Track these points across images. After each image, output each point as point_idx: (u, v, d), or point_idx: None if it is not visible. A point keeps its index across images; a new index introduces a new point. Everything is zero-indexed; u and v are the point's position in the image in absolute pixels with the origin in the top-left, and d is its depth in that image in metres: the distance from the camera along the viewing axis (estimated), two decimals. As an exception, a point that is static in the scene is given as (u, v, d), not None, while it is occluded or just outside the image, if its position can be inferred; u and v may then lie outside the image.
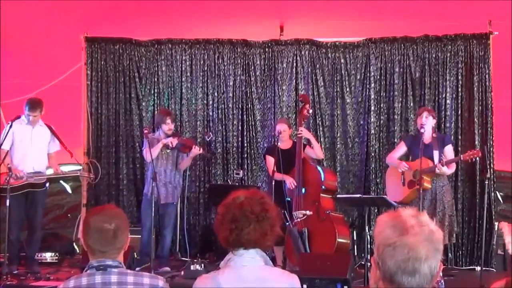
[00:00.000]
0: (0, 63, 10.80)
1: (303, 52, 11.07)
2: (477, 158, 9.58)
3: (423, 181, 8.74)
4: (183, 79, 11.26)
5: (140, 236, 9.69)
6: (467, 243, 10.49)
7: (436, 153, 9.00)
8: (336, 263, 8.25)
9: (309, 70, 11.05)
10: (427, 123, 9.02)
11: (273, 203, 3.73)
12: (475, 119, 10.47)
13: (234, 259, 3.55)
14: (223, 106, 11.21)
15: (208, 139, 10.47)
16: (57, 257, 10.27)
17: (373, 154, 10.80)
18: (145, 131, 9.49)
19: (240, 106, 11.19)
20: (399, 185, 9.18)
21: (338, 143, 10.95)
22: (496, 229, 10.21)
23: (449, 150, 9.18)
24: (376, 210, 10.48)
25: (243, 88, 11.21)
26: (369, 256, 8.85)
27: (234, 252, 3.57)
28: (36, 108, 9.23)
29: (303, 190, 9.40)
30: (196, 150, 9.65)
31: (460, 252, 10.47)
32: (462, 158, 9.10)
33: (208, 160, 11.05)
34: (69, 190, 11.89)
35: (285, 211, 8.89)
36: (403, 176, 9.15)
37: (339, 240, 9.05)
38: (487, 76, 10.49)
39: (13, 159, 9.23)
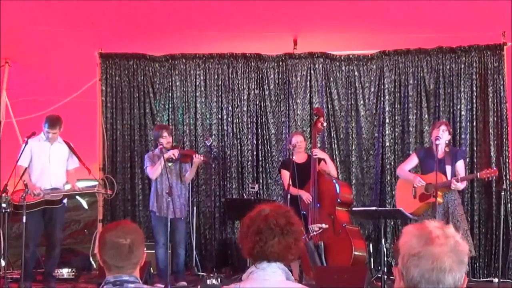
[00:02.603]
0: (4, 78, 10.90)
1: (316, 66, 11.08)
2: (493, 167, 9.58)
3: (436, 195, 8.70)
4: (197, 93, 11.29)
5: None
6: (484, 254, 10.42)
7: (448, 168, 8.92)
8: (353, 276, 8.24)
9: (323, 83, 11.06)
10: (443, 137, 8.95)
11: (298, 217, 3.74)
12: (490, 130, 10.43)
13: (256, 272, 3.55)
14: (237, 120, 11.22)
15: (208, 144, 10.46)
16: (73, 273, 10.27)
17: (388, 166, 10.77)
18: (160, 147, 9.46)
19: (254, 120, 11.19)
20: (409, 197, 9.10)
21: (353, 156, 10.93)
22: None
23: (460, 166, 9.09)
24: (392, 223, 10.45)
25: (257, 102, 11.22)
26: (385, 269, 8.83)
27: (256, 265, 3.57)
28: (56, 125, 9.27)
29: (318, 203, 9.38)
30: (198, 159, 9.60)
31: (477, 264, 10.40)
32: (478, 176, 9.06)
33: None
34: (86, 206, 11.94)
35: (301, 225, 8.85)
36: (415, 189, 9.07)
37: (355, 253, 9.02)
38: (501, 87, 10.46)
39: (31, 176, 9.27)
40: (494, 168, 8.90)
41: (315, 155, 9.52)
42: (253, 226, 3.56)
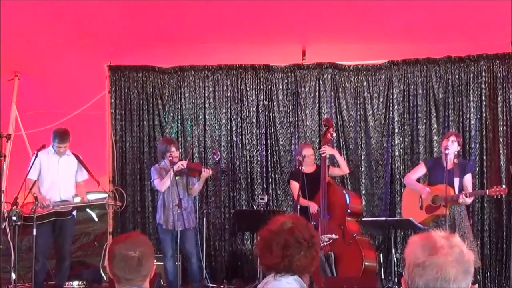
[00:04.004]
0: (14, 91, 10.95)
1: (325, 76, 11.07)
2: (503, 177, 9.57)
3: (442, 207, 8.65)
4: (206, 105, 11.29)
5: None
6: (495, 264, 10.38)
7: (456, 180, 8.85)
8: (363, 287, 8.21)
9: (332, 93, 11.05)
10: (451, 148, 8.90)
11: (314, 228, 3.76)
12: (500, 139, 10.40)
13: (271, 283, 3.56)
14: (246, 131, 11.22)
15: (217, 159, 10.45)
16: (84, 285, 10.29)
17: (397, 176, 10.74)
18: (170, 158, 9.46)
19: (263, 131, 11.18)
20: (416, 208, 9.05)
21: (362, 166, 10.91)
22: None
23: (468, 179, 9.02)
24: (402, 233, 10.42)
25: (266, 113, 11.21)
26: (396, 279, 8.80)
27: (277, 277, 3.58)
28: (65, 139, 9.32)
29: (328, 214, 9.37)
30: (206, 173, 9.56)
31: (489, 274, 10.36)
32: (487, 193, 8.99)
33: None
34: (96, 218, 11.96)
35: (311, 235, 8.83)
36: (421, 199, 9.04)
37: (366, 263, 9.01)
38: (510, 96, 10.45)
39: (40, 189, 9.31)
40: (504, 187, 8.84)
41: (323, 152, 9.52)
42: (279, 239, 3.56)
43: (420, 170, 9.39)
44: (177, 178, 9.46)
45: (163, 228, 9.51)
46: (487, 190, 8.96)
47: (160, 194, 9.64)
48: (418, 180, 9.41)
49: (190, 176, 9.66)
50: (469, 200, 8.86)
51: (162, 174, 9.48)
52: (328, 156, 9.70)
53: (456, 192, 8.77)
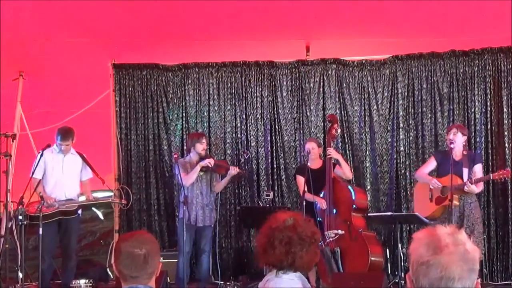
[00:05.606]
0: (19, 90, 10.93)
1: (329, 72, 11.05)
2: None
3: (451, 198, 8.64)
4: (211, 102, 11.29)
5: (174, 260, 9.67)
6: (502, 258, 10.37)
7: (465, 171, 8.86)
8: (370, 282, 8.21)
9: (336, 89, 11.03)
10: (456, 140, 8.90)
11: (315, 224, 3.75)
12: (505, 133, 10.37)
13: (273, 280, 3.55)
14: (251, 128, 11.21)
15: (246, 157, 10.48)
16: (91, 284, 10.27)
17: (403, 171, 10.72)
18: (175, 156, 9.50)
19: (268, 127, 11.17)
20: (426, 201, 9.08)
21: (367, 161, 10.90)
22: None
23: (478, 169, 9.01)
24: (408, 228, 10.41)
25: (270, 110, 11.20)
26: (402, 274, 8.80)
27: (278, 273, 3.56)
28: (68, 137, 9.31)
29: (334, 210, 9.36)
30: (234, 171, 9.61)
31: (495, 267, 10.35)
32: (491, 178, 8.99)
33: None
34: (101, 217, 11.95)
35: (317, 231, 8.82)
36: (431, 192, 9.05)
37: (372, 258, 9.00)
38: (515, 89, 10.44)
39: (45, 188, 9.31)
40: (507, 169, 8.85)
41: (329, 155, 9.52)
42: (282, 236, 3.54)
43: (431, 163, 9.38)
44: (201, 173, 9.52)
45: (183, 223, 9.49)
46: (491, 174, 8.98)
47: (183, 190, 9.60)
48: (430, 174, 9.40)
49: (215, 173, 9.71)
50: (475, 189, 8.80)
51: (187, 167, 9.50)
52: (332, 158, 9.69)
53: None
